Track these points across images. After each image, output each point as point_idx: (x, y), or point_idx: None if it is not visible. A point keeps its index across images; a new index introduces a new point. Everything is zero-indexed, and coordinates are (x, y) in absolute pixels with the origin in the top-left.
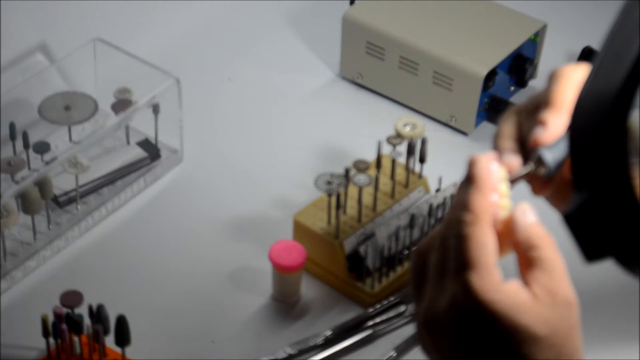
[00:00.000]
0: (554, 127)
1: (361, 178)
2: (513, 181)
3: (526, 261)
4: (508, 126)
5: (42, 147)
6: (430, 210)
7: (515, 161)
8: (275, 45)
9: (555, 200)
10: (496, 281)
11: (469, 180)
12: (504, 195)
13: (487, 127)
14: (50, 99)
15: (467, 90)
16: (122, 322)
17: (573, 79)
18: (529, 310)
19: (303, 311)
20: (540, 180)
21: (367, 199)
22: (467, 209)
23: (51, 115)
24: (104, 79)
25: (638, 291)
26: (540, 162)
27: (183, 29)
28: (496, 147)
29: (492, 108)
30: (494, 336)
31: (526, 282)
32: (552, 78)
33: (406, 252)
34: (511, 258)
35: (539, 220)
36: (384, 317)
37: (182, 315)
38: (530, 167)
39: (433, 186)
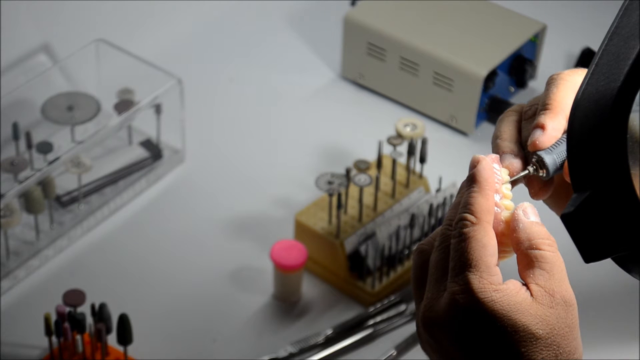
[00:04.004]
0: (552, 130)
1: (362, 178)
2: (513, 184)
3: (526, 260)
4: (506, 127)
5: (45, 147)
6: (431, 210)
7: (515, 163)
8: (276, 46)
9: (553, 202)
10: (496, 281)
11: (471, 181)
12: (505, 196)
13: (487, 128)
14: (53, 99)
15: (467, 91)
16: (124, 320)
17: (571, 83)
18: (527, 309)
19: (304, 310)
20: (539, 183)
21: (367, 198)
22: (469, 209)
23: (54, 115)
24: (106, 80)
25: (638, 291)
26: (540, 165)
27: (185, 30)
28: (495, 148)
29: (492, 109)
30: (492, 335)
31: (525, 281)
32: (549, 82)
33: (406, 251)
34: (511, 259)
35: (540, 220)
36: (384, 316)
37: (183, 314)
38: (530, 170)
39: (433, 186)
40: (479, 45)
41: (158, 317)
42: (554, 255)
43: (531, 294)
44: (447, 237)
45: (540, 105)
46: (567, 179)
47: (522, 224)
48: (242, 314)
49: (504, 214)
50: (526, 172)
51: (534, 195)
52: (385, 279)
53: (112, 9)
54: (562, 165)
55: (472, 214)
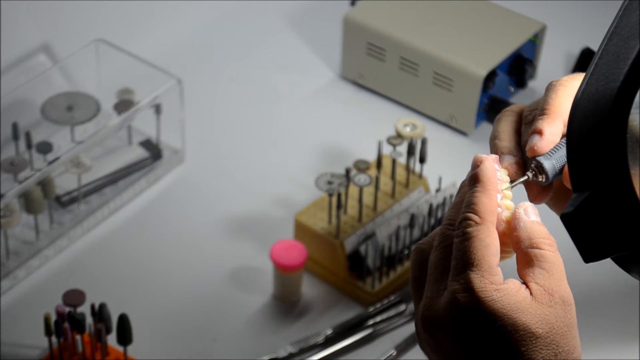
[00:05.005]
0: (550, 135)
1: (362, 178)
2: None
3: (526, 259)
4: (504, 128)
5: (45, 147)
6: (430, 210)
7: (514, 164)
8: (276, 46)
9: (554, 203)
10: (497, 281)
11: (474, 180)
12: (506, 196)
13: (486, 128)
14: (52, 99)
15: (467, 91)
16: (124, 320)
17: (569, 89)
18: (527, 309)
19: (304, 310)
20: (538, 187)
21: (367, 198)
22: (473, 209)
23: (54, 115)
24: (106, 80)
25: (638, 291)
26: (539, 170)
27: (185, 30)
28: (493, 148)
29: (491, 108)
30: (492, 335)
31: (525, 280)
32: (548, 88)
33: (406, 251)
34: (510, 259)
35: (541, 220)
36: (384, 316)
37: (183, 314)
38: (530, 175)
39: (433, 186)
40: (479, 45)
41: (158, 317)
42: (554, 255)
43: (530, 293)
44: (447, 236)
45: (539, 111)
46: (567, 184)
47: (522, 223)
48: (242, 314)
49: (505, 214)
50: (525, 177)
51: (533, 199)
52: (385, 279)
53: (112, 9)
54: (561, 170)
55: (476, 213)
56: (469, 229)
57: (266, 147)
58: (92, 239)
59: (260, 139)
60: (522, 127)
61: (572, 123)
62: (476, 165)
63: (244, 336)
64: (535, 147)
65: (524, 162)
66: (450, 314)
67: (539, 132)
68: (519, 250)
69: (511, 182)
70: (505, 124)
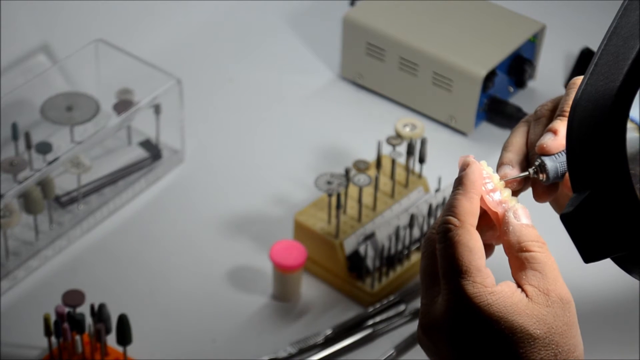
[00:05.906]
0: (563, 138)
1: (361, 178)
2: (512, 183)
3: (517, 263)
4: (514, 139)
5: (44, 148)
6: (430, 210)
7: (510, 173)
8: (276, 46)
9: (557, 204)
10: (489, 283)
11: (457, 183)
12: (502, 187)
13: (486, 128)
14: (52, 100)
15: (467, 91)
16: (123, 321)
17: None
18: (523, 310)
19: (303, 310)
20: (542, 186)
21: (367, 198)
22: (452, 211)
23: (53, 115)
24: (105, 80)
25: (638, 291)
26: (541, 169)
27: (184, 30)
28: (500, 158)
29: (491, 109)
30: (490, 338)
31: (519, 283)
32: (569, 87)
33: (406, 251)
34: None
35: (531, 222)
36: (383, 316)
37: (183, 314)
38: (531, 172)
39: (433, 186)
40: (479, 45)
41: (157, 317)
42: (545, 256)
43: (527, 295)
44: (431, 240)
45: (558, 110)
46: (567, 190)
47: (512, 227)
48: (242, 314)
49: (512, 204)
50: (526, 173)
51: (537, 197)
52: (384, 279)
53: (112, 9)
54: (563, 175)
55: (455, 216)
56: (450, 234)
57: (265, 147)
58: (92, 239)
59: (259, 139)
60: (532, 124)
61: (572, 123)
62: (463, 169)
63: (243, 336)
64: (545, 146)
65: (529, 162)
66: (447, 321)
67: (554, 132)
68: (510, 254)
69: (513, 176)
70: (517, 134)
